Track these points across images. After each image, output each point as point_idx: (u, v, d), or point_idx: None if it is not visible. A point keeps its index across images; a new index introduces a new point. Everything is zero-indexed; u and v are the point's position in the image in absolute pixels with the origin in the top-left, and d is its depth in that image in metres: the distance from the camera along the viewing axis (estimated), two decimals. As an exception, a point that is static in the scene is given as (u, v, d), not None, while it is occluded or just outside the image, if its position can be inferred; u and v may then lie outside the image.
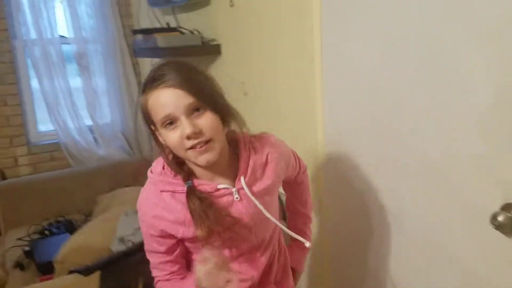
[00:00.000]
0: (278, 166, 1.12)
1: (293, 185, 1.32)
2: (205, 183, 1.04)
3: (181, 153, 0.99)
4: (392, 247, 1.45)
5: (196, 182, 1.04)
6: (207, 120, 0.97)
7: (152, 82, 0.97)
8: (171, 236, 1.06)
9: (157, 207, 1.04)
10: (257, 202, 1.05)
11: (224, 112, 1.02)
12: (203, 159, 0.98)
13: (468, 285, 1.21)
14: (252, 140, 1.11)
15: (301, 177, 1.30)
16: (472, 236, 1.17)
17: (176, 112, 0.95)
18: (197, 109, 0.96)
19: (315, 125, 1.64)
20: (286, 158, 1.17)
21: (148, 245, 1.10)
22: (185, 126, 0.94)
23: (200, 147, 0.96)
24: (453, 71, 1.13)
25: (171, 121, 0.96)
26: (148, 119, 1.01)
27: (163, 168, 1.06)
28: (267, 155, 1.10)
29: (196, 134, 0.95)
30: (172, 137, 0.97)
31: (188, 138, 0.95)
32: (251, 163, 1.07)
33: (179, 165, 1.05)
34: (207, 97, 0.97)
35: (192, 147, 0.96)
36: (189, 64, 1.01)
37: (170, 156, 1.05)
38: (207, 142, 0.97)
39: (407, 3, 1.22)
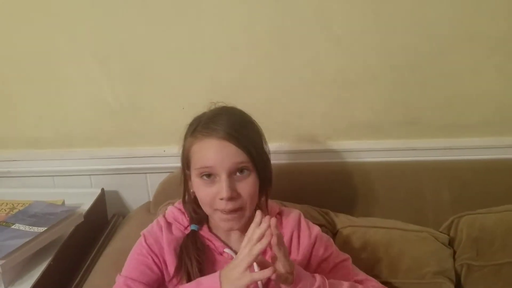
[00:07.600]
0: (302, 247, 0.98)
1: None
2: (213, 239, 0.96)
3: (207, 209, 0.91)
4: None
5: (204, 233, 0.96)
6: (248, 185, 0.87)
7: (203, 129, 0.88)
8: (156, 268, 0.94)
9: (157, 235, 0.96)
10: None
11: (266, 178, 0.93)
12: (228, 226, 0.90)
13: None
14: (280, 213, 1.02)
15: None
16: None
17: (218, 168, 0.85)
18: (242, 170, 0.87)
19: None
20: (317, 244, 0.99)
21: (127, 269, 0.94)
22: (223, 188, 0.85)
23: (230, 213, 0.87)
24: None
25: (209, 174, 0.87)
26: (186, 162, 0.93)
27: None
28: (292, 233, 0.98)
29: (233, 198, 0.86)
30: (204, 191, 0.88)
31: (221, 199, 0.86)
32: None
33: (196, 206, 0.96)
34: (256, 158, 0.87)
35: (221, 210, 0.88)
36: (244, 116, 0.94)
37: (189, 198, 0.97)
38: (239, 209, 0.88)
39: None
